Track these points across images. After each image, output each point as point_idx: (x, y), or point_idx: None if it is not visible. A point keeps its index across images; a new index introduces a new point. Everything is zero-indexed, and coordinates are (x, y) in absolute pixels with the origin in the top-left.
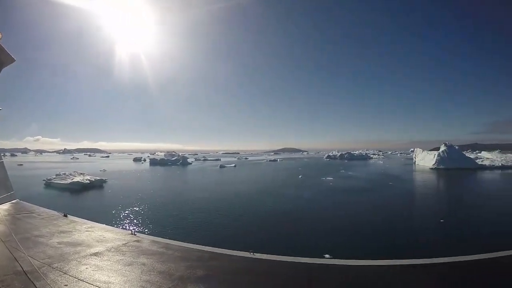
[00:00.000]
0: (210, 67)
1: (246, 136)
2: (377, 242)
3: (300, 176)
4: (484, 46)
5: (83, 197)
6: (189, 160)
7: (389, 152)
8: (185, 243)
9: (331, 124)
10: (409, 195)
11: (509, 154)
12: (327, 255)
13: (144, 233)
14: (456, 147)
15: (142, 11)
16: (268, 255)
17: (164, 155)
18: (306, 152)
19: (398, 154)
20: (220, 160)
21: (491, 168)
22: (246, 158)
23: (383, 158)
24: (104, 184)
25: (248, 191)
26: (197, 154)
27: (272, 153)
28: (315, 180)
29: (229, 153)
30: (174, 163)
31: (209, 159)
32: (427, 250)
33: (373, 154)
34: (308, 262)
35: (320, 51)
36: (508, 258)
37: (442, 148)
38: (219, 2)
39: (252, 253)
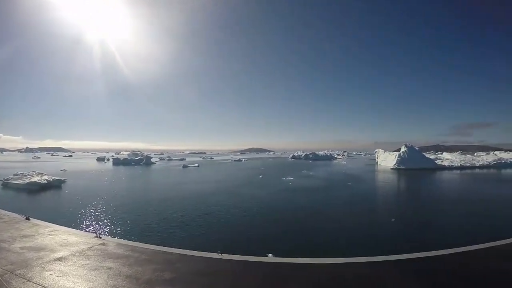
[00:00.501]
0: (179, 65)
1: (214, 136)
2: (330, 240)
3: (261, 176)
4: (447, 50)
5: (42, 198)
6: (153, 160)
7: (354, 153)
8: (151, 245)
9: (298, 125)
10: (365, 195)
11: (468, 155)
12: (270, 254)
13: (109, 235)
14: (416, 148)
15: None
16: (236, 255)
17: (128, 154)
18: (272, 152)
19: (363, 155)
20: (185, 160)
21: (450, 168)
22: (211, 158)
23: (347, 158)
24: (62, 184)
25: (206, 191)
26: (162, 154)
27: (239, 153)
28: (275, 180)
29: (196, 153)
30: (137, 163)
31: (174, 159)
32: (379, 249)
33: (338, 155)
34: (276, 261)
35: (289, 50)
36: (456, 255)
37: (403, 149)
38: None
39: (220, 254)
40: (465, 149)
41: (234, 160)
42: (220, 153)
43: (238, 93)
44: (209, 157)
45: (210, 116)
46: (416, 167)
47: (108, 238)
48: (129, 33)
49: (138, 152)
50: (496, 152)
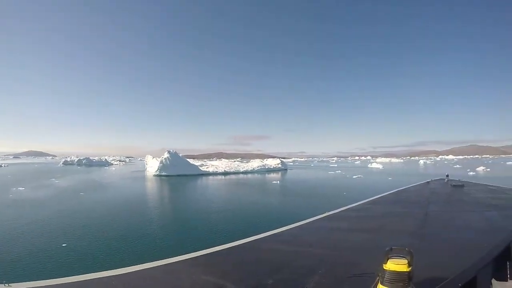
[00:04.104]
0: None
1: None
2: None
3: None
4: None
5: None
6: None
7: (140, 159)
8: None
9: (84, 130)
10: (82, 208)
11: (237, 162)
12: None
13: None
14: (180, 155)
15: None
16: (27, 282)
17: None
18: (52, 157)
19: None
20: None
21: (214, 174)
22: None
23: (124, 164)
24: None
25: None
26: None
27: (12, 157)
28: (1, 192)
29: None
30: None
31: None
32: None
33: (119, 161)
34: (75, 280)
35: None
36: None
37: (165, 155)
38: None
39: (7, 285)
40: (245, 157)
41: None
42: None
43: (18, 92)
44: None
45: None
46: (178, 173)
47: None
48: None
49: None
50: (269, 159)
